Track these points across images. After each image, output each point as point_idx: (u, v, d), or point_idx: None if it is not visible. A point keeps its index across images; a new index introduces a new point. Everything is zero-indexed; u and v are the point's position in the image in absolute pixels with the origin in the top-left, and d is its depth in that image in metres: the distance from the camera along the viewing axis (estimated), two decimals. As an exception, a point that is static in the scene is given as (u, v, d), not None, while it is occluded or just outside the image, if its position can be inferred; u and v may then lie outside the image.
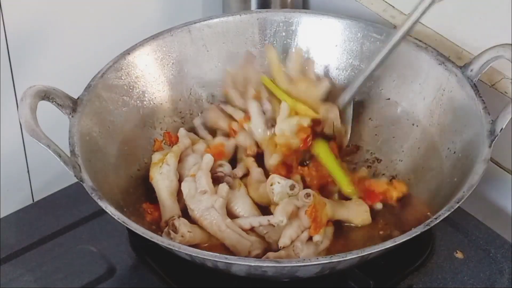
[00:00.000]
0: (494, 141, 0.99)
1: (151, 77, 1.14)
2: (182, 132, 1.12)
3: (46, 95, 1.00)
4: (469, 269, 1.04)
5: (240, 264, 0.91)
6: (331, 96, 1.14)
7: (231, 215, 1.03)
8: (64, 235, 1.09)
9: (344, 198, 1.07)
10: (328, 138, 1.11)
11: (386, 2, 1.23)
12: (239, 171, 1.08)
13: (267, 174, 1.07)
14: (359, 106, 1.16)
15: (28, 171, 1.27)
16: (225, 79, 1.17)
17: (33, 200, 1.28)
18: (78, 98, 1.05)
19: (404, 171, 1.11)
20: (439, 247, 1.06)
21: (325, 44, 1.18)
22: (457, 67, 1.08)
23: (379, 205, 1.06)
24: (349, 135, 1.13)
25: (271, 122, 1.11)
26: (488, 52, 1.05)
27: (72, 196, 1.13)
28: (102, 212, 0.95)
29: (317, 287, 1.00)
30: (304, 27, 1.18)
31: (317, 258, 0.92)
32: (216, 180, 1.05)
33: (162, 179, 1.05)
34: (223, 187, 1.02)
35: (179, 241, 0.98)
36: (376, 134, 1.15)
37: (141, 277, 1.04)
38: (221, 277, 0.97)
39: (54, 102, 1.01)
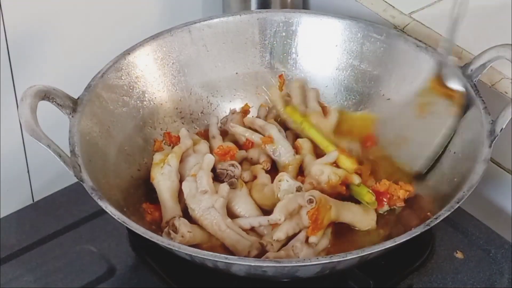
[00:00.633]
0: (494, 141, 0.99)
1: (151, 77, 1.14)
2: (183, 132, 1.11)
3: (46, 95, 1.00)
4: (469, 269, 1.04)
5: (240, 264, 0.91)
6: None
7: (232, 214, 1.03)
8: (64, 235, 1.09)
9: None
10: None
11: (386, 2, 1.23)
12: (247, 175, 1.08)
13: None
14: (359, 106, 1.17)
15: (28, 171, 1.27)
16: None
17: (33, 200, 1.28)
18: (78, 98, 1.05)
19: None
20: (439, 247, 1.06)
21: (325, 44, 1.18)
22: (457, 67, 1.08)
23: (386, 208, 1.06)
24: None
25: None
26: (488, 52, 1.05)
27: (72, 196, 1.13)
28: (102, 212, 0.95)
29: (317, 287, 1.00)
30: (304, 27, 1.18)
31: (317, 258, 0.92)
32: (221, 175, 1.05)
33: (164, 180, 1.04)
34: (223, 187, 1.02)
35: (179, 241, 0.98)
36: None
37: (141, 277, 1.04)
38: (221, 277, 0.97)
39: (54, 102, 1.01)
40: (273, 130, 1.10)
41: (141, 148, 1.11)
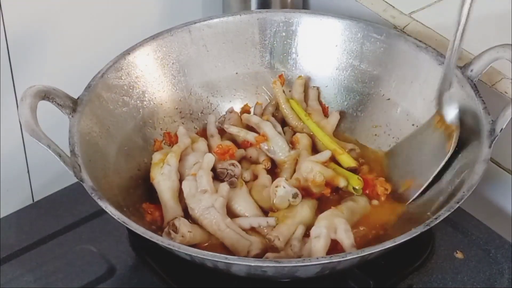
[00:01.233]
0: (494, 141, 0.99)
1: (151, 77, 1.14)
2: (181, 130, 1.11)
3: (46, 95, 1.00)
4: (469, 269, 1.04)
5: (240, 264, 0.91)
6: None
7: (232, 213, 1.03)
8: (64, 235, 1.09)
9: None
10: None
11: (386, 2, 1.23)
12: (248, 175, 1.08)
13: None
14: (359, 106, 1.17)
15: (28, 171, 1.27)
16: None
17: (33, 200, 1.28)
18: (78, 98, 1.05)
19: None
20: (439, 247, 1.06)
21: (325, 44, 1.18)
22: (457, 67, 1.08)
23: (375, 202, 1.06)
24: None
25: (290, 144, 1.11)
26: (488, 52, 1.05)
27: (72, 196, 1.13)
28: (102, 212, 0.95)
29: (317, 287, 1.00)
30: (304, 27, 1.18)
31: (317, 258, 0.92)
32: (221, 175, 1.05)
33: (164, 180, 1.04)
34: (223, 187, 1.02)
35: (179, 241, 0.98)
36: (376, 134, 1.15)
37: (141, 277, 1.04)
38: (221, 277, 0.97)
39: (54, 102, 1.01)
40: (267, 127, 1.10)
41: (141, 148, 1.11)
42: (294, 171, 1.08)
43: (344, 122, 1.17)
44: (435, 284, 1.03)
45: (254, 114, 1.17)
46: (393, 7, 1.22)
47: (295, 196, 1.02)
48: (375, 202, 1.06)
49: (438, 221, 0.92)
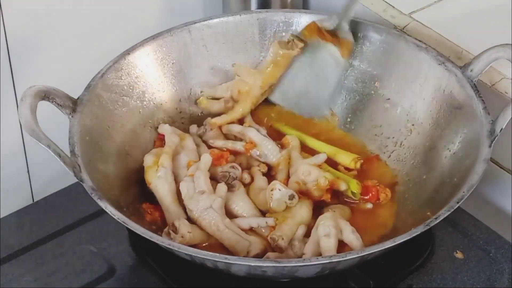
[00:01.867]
0: (494, 141, 0.99)
1: (151, 77, 1.14)
2: (167, 128, 1.10)
3: (46, 95, 1.00)
4: (469, 269, 1.04)
5: (240, 264, 0.91)
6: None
7: (230, 214, 1.03)
8: (64, 235, 1.09)
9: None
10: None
11: (386, 2, 1.23)
12: (247, 177, 1.08)
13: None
14: (359, 106, 1.17)
15: (28, 171, 1.27)
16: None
17: (33, 200, 1.28)
18: (78, 98, 1.05)
19: (404, 172, 1.11)
20: (439, 247, 1.06)
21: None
22: (457, 67, 1.08)
23: (369, 205, 1.07)
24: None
25: (279, 145, 1.10)
26: (488, 52, 1.05)
27: (72, 196, 1.13)
28: (102, 212, 0.95)
29: (317, 287, 1.00)
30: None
31: (317, 258, 0.92)
32: (223, 178, 1.05)
33: (162, 184, 1.04)
34: (221, 187, 1.02)
35: (179, 241, 0.98)
36: (375, 134, 1.15)
37: (141, 277, 1.04)
38: (221, 277, 0.97)
39: (54, 102, 1.01)
40: (252, 133, 1.10)
41: (141, 148, 1.11)
42: (288, 172, 1.08)
43: (344, 122, 1.17)
44: (435, 284, 1.03)
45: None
46: (393, 7, 1.22)
47: (291, 197, 1.02)
48: (369, 205, 1.06)
49: (438, 221, 0.92)
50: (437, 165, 1.06)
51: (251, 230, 1.02)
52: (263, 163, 1.09)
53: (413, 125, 1.12)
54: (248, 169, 1.09)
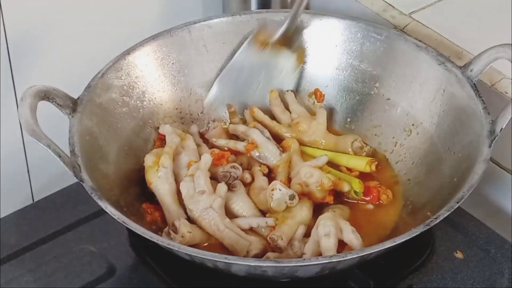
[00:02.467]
0: (494, 141, 0.99)
1: (151, 77, 1.14)
2: (168, 128, 1.10)
3: (46, 95, 1.00)
4: (469, 269, 1.04)
5: (240, 264, 0.91)
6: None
7: (231, 213, 1.03)
8: (64, 235, 1.09)
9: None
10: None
11: (386, 2, 1.23)
12: (248, 177, 1.08)
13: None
14: (359, 106, 1.17)
15: (28, 171, 1.27)
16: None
17: (33, 200, 1.28)
18: (78, 98, 1.05)
19: (404, 172, 1.11)
20: (439, 247, 1.06)
21: (325, 44, 1.18)
22: (457, 67, 1.08)
23: (370, 206, 1.07)
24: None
25: (280, 148, 1.10)
26: (488, 52, 1.05)
27: (72, 196, 1.13)
28: (102, 212, 0.95)
29: (317, 287, 1.00)
30: (304, 27, 1.18)
31: (317, 258, 0.92)
32: (224, 178, 1.05)
33: (162, 183, 1.04)
34: (221, 187, 1.02)
35: (179, 241, 0.98)
36: (375, 134, 1.15)
37: (141, 277, 1.04)
38: (221, 277, 0.97)
39: (54, 102, 1.01)
40: (255, 134, 1.10)
41: (141, 148, 1.11)
42: (288, 173, 1.08)
43: (344, 122, 1.17)
44: (435, 284, 1.03)
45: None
46: (393, 7, 1.22)
47: (292, 197, 1.02)
48: (370, 206, 1.06)
49: (438, 221, 0.92)
50: (437, 165, 1.06)
51: (251, 230, 1.02)
52: (263, 164, 1.09)
53: (413, 125, 1.12)
54: (249, 169, 1.09)
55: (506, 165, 1.12)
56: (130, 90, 1.12)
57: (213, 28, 1.17)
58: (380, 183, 1.08)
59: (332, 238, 0.96)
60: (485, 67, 1.05)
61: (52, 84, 1.02)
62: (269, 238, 1.00)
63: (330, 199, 1.05)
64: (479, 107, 1.03)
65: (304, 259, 0.96)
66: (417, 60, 1.12)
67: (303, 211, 1.02)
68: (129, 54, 1.12)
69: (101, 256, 1.06)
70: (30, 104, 0.97)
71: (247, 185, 1.07)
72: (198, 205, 1.01)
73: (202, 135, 1.15)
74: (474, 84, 1.06)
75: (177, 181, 1.05)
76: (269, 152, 1.09)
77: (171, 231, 0.99)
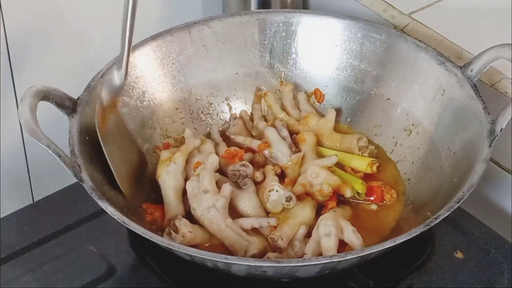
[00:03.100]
0: (494, 141, 0.99)
1: (151, 77, 1.14)
2: (188, 133, 1.11)
3: (46, 95, 1.00)
4: (469, 269, 1.04)
5: (239, 264, 0.91)
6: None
7: (236, 211, 1.03)
8: (64, 235, 1.09)
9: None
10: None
11: (386, 2, 1.23)
12: (260, 175, 1.08)
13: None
14: (359, 106, 1.17)
15: (28, 171, 1.27)
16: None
17: (33, 200, 1.28)
18: (78, 98, 1.05)
19: (404, 172, 1.11)
20: (439, 247, 1.06)
21: (325, 44, 1.18)
22: (457, 67, 1.08)
23: (373, 206, 1.07)
24: None
25: (293, 148, 1.10)
26: (488, 52, 1.05)
27: (72, 196, 1.13)
28: (102, 212, 0.95)
29: (317, 287, 1.00)
30: (304, 27, 1.18)
31: (317, 258, 0.92)
32: (234, 176, 1.05)
33: (169, 178, 1.05)
34: (226, 187, 1.02)
35: (180, 241, 0.98)
36: (375, 134, 1.15)
37: (141, 277, 1.04)
38: (221, 277, 0.97)
39: (54, 102, 1.01)
40: (270, 133, 1.10)
41: (141, 149, 1.11)
42: (299, 174, 1.08)
43: (344, 122, 1.17)
44: (435, 284, 1.03)
45: (251, 118, 1.17)
46: (393, 7, 1.22)
47: (288, 199, 1.02)
48: (373, 206, 1.06)
49: (438, 221, 0.92)
50: (437, 165, 1.06)
51: (254, 230, 1.02)
52: (274, 164, 1.09)
53: (413, 125, 1.12)
54: (263, 167, 1.09)
55: (506, 165, 1.12)
56: (130, 90, 1.12)
57: (213, 28, 1.17)
58: (384, 183, 1.08)
59: (332, 238, 0.96)
60: (485, 67, 1.05)
61: (52, 84, 1.02)
62: (269, 238, 1.00)
63: (333, 204, 1.04)
64: (479, 107, 1.03)
65: (304, 259, 0.96)
66: (417, 60, 1.12)
67: (305, 212, 1.02)
68: (129, 54, 1.12)
69: (101, 256, 1.06)
70: (30, 104, 0.97)
71: (258, 184, 1.07)
72: (201, 204, 1.01)
73: (223, 133, 1.15)
74: (474, 84, 1.06)
75: (186, 181, 1.05)
76: (280, 152, 1.09)
77: (171, 231, 0.99)
